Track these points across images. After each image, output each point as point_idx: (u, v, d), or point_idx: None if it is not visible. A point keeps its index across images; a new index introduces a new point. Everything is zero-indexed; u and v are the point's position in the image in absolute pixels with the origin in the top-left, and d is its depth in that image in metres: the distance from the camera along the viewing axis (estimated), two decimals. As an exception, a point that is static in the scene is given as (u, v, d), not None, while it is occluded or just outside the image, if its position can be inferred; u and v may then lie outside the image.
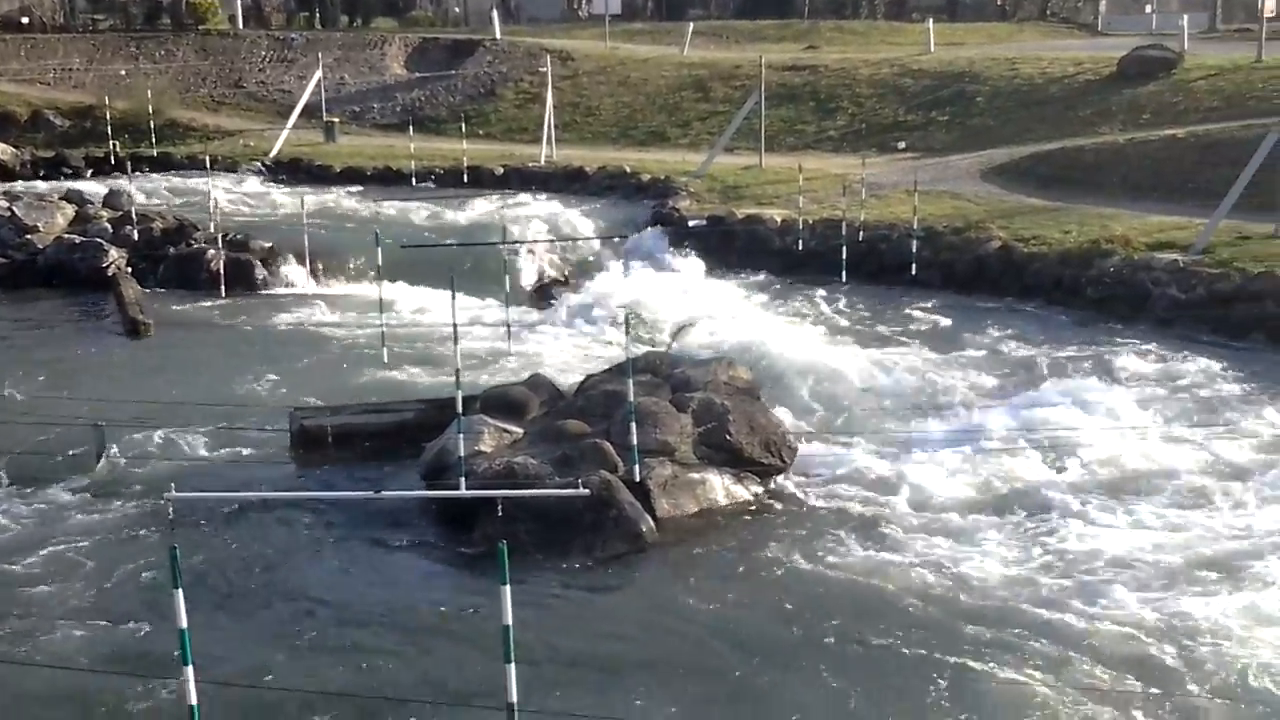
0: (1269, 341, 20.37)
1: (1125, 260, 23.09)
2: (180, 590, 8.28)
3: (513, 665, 8.01)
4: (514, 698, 8.00)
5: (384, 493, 14.49)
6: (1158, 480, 15.08)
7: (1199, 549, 13.30)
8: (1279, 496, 14.52)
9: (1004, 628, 11.73)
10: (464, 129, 38.28)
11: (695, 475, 14.85)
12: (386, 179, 35.53)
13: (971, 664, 11.12)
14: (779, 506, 14.92)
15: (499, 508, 13.26)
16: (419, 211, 30.49)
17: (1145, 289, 22.40)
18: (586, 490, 13.27)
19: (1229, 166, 24.86)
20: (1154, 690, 10.55)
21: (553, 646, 11.46)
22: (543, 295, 25.74)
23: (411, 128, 39.13)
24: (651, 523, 13.96)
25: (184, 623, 8.24)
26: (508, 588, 8.07)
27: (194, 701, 8.23)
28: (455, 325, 14.77)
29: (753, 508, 14.82)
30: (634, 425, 14.31)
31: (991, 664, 11.11)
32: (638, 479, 14.22)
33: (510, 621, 8.05)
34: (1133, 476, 15.21)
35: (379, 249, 20.13)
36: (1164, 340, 20.51)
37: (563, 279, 26.63)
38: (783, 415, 16.47)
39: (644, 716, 10.08)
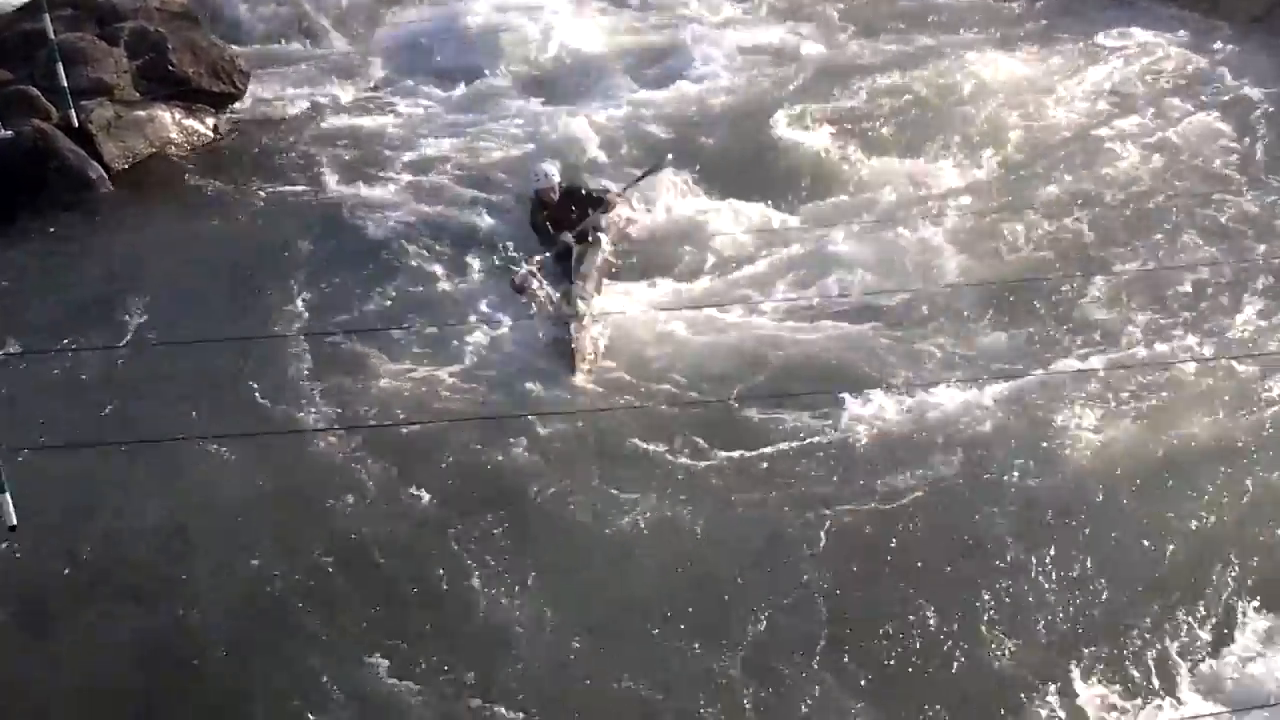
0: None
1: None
2: None
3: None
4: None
5: None
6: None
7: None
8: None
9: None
10: None
11: (142, 113, 13.95)
12: None
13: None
14: (236, 135, 14.38)
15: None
16: None
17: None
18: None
19: None
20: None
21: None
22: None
23: None
24: (100, 169, 13.09)
25: None
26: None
27: None
28: None
29: (209, 138, 14.20)
30: (60, 66, 13.16)
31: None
32: (76, 124, 13.21)
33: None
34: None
35: None
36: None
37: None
38: (229, 39, 15.67)
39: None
